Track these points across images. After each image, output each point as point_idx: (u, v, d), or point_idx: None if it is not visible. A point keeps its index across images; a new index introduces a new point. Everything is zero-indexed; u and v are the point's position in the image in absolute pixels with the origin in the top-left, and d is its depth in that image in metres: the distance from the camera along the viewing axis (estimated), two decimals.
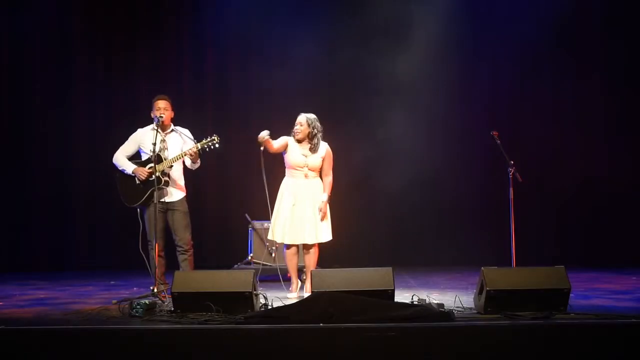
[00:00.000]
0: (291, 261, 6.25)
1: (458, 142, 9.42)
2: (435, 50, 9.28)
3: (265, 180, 6.06)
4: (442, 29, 9.27)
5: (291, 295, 6.06)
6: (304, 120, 6.21)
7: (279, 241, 6.27)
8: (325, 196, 6.20)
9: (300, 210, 6.11)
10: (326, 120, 9.14)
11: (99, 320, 4.88)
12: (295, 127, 6.19)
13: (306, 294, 6.07)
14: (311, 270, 5.28)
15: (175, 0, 9.69)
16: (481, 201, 9.27)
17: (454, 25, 9.35)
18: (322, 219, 6.16)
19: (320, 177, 6.28)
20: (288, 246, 6.23)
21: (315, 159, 6.20)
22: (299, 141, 6.20)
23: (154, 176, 6.00)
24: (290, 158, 6.19)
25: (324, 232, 6.19)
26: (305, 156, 6.18)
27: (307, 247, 6.21)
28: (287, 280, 6.49)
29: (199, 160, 6.19)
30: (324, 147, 6.27)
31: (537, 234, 9.15)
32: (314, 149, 6.20)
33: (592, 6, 9.42)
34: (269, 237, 6.34)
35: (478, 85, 9.53)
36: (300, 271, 6.55)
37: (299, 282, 6.28)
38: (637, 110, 9.36)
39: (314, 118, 6.26)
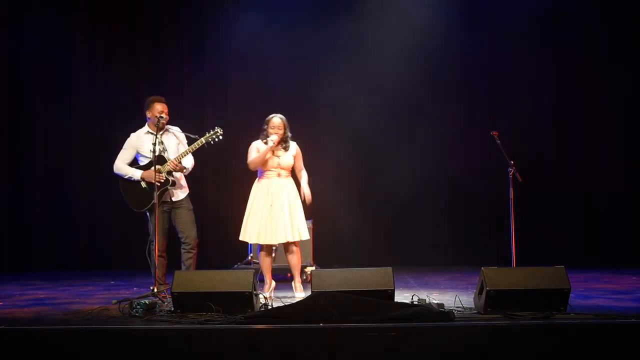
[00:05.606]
0: (265, 261, 6.17)
1: (458, 142, 9.44)
2: (434, 50, 9.31)
3: None
4: (441, 29, 9.30)
5: (298, 295, 6.02)
6: (282, 125, 6.17)
7: (252, 242, 6.24)
8: (307, 188, 6.19)
9: (278, 209, 6.08)
10: (325, 120, 9.25)
11: (99, 320, 4.88)
12: (275, 131, 6.12)
13: (297, 293, 6.07)
14: (311, 271, 5.25)
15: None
16: (481, 201, 9.27)
17: (454, 24, 9.37)
18: (308, 201, 6.19)
19: (292, 176, 6.26)
20: (262, 247, 6.17)
21: (287, 158, 6.20)
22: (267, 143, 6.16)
23: (156, 177, 5.95)
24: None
25: (303, 230, 6.14)
26: (278, 156, 6.17)
27: (288, 247, 6.15)
28: (288, 280, 6.47)
29: (189, 164, 6.19)
30: (294, 146, 6.27)
31: (537, 234, 9.14)
32: (284, 148, 6.20)
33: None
34: (240, 238, 6.21)
35: (478, 85, 9.54)
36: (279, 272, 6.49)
37: (274, 283, 6.22)
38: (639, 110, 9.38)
39: (286, 120, 6.24)
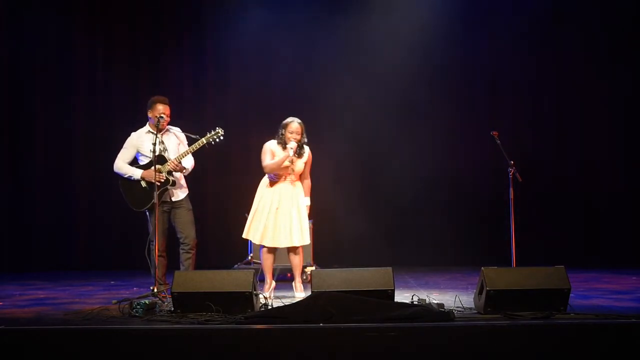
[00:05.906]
0: (267, 260, 6.15)
1: (458, 142, 9.44)
2: (434, 50, 9.32)
3: None
4: (441, 29, 9.30)
5: (298, 295, 6.03)
6: (301, 130, 6.12)
7: (256, 242, 6.18)
8: (308, 200, 6.24)
9: (285, 213, 6.08)
10: (325, 120, 9.24)
11: (99, 320, 4.87)
12: (294, 136, 6.06)
13: (297, 293, 6.08)
14: (311, 271, 5.25)
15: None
16: (481, 201, 9.28)
17: (454, 24, 9.38)
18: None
19: (300, 179, 6.24)
20: (264, 246, 6.17)
21: (300, 164, 6.18)
22: (284, 148, 6.11)
23: (156, 176, 5.94)
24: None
25: (307, 234, 6.18)
26: (292, 162, 6.13)
27: (294, 248, 6.17)
28: (288, 280, 6.45)
29: (189, 164, 6.19)
30: (307, 152, 6.23)
31: (537, 234, 9.14)
32: (299, 154, 6.16)
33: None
34: (244, 235, 6.21)
35: (478, 85, 9.55)
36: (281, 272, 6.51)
37: (274, 283, 6.21)
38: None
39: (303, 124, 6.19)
